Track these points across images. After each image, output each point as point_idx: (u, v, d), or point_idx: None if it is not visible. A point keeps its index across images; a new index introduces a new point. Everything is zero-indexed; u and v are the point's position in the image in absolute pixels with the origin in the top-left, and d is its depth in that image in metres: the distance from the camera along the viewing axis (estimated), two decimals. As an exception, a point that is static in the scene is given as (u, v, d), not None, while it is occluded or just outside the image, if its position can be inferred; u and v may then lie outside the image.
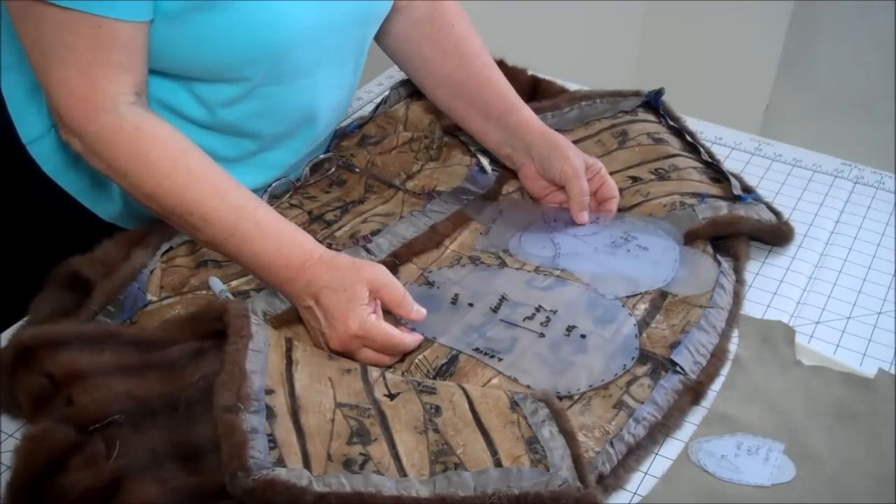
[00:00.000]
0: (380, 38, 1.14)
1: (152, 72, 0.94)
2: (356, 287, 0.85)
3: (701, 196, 1.06)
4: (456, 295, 0.95)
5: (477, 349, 0.88)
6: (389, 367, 0.87)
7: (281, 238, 0.88)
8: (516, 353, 0.88)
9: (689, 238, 1.02)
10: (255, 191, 1.01)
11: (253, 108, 0.99)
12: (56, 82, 0.87)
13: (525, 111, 1.11)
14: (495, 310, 0.93)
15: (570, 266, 1.00)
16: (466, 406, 0.79)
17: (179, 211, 0.88)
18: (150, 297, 0.93)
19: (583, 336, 0.89)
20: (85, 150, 0.89)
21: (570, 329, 0.90)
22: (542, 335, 0.90)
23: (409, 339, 0.87)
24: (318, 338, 0.88)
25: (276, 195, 1.08)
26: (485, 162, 1.15)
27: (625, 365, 0.87)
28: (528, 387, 0.85)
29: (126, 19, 0.85)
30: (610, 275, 0.98)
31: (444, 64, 1.13)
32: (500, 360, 0.87)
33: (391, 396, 0.80)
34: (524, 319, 0.91)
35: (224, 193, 0.89)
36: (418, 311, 0.88)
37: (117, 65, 0.87)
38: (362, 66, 1.10)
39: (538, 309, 0.92)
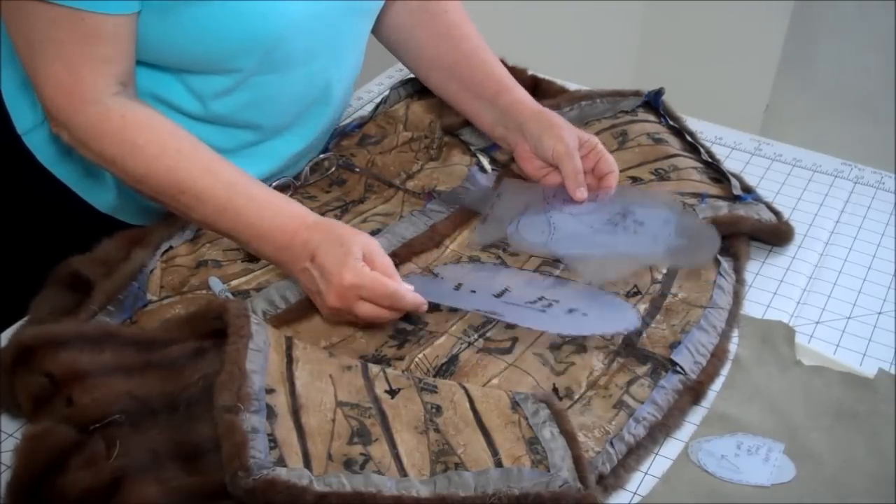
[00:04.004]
0: (377, 29, 1.15)
1: (145, 65, 0.94)
2: (352, 244, 0.86)
3: (701, 196, 1.06)
4: (459, 284, 0.95)
5: (477, 309, 0.89)
6: (393, 321, 0.87)
7: (274, 208, 0.90)
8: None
9: (690, 238, 1.02)
10: None
11: (246, 99, 0.99)
12: (42, 76, 0.88)
13: (518, 91, 1.10)
14: (498, 296, 0.93)
15: (566, 251, 0.99)
16: (467, 406, 0.79)
17: (172, 192, 0.90)
18: (150, 296, 0.93)
19: (584, 315, 0.89)
20: (73, 142, 0.91)
21: (571, 311, 0.90)
22: (543, 310, 0.90)
23: (408, 293, 0.86)
24: (317, 302, 0.88)
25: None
26: (485, 162, 1.15)
27: (627, 328, 0.88)
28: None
29: (109, 13, 0.86)
30: (606, 258, 0.97)
31: (436, 47, 1.13)
32: (502, 315, 0.88)
33: (392, 393, 0.80)
34: (526, 303, 0.91)
35: (215, 171, 0.91)
36: (406, 287, 0.87)
37: (102, 58, 0.88)
38: (361, 61, 1.10)
39: (540, 298, 0.92)
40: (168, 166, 0.89)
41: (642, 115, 1.21)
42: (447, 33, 1.13)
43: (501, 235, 1.02)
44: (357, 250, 0.86)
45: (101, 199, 1.06)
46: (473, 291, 0.94)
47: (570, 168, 1.03)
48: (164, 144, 0.90)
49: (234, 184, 0.90)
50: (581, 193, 1.03)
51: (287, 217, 0.90)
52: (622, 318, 0.89)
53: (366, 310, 0.86)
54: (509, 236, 1.02)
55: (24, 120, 1.02)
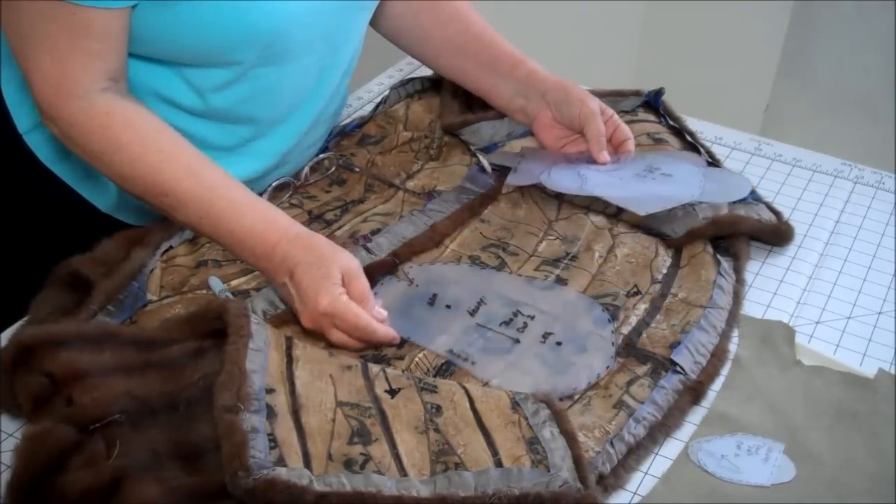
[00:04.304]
0: (378, 22, 1.15)
1: (143, 59, 0.94)
2: (331, 266, 0.86)
3: (701, 196, 1.06)
4: (434, 296, 0.94)
5: (450, 350, 0.88)
6: (363, 350, 0.87)
7: (256, 215, 0.90)
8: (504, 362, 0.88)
9: (690, 238, 1.02)
10: (252, 184, 1.01)
11: (245, 92, 0.99)
12: (32, 70, 0.89)
13: (533, 63, 1.12)
14: (472, 313, 0.92)
15: (599, 191, 1.01)
16: (467, 405, 0.79)
17: (154, 192, 0.90)
18: (150, 296, 0.93)
19: (558, 343, 0.89)
20: (61, 136, 0.91)
21: (546, 336, 0.90)
22: (517, 341, 0.89)
23: (380, 328, 0.86)
24: (298, 315, 0.88)
25: (277, 194, 1.08)
26: (485, 162, 1.15)
27: (599, 373, 0.86)
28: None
29: (100, 7, 0.86)
30: (641, 194, 1.00)
31: (444, 30, 1.14)
32: (472, 363, 0.86)
33: (392, 393, 0.80)
34: (500, 324, 0.91)
35: (198, 173, 0.90)
36: (378, 313, 0.87)
37: (91, 52, 0.88)
38: (358, 55, 1.11)
39: (515, 314, 0.92)
40: (151, 167, 0.89)
41: (642, 115, 1.21)
42: (454, 17, 1.14)
43: (534, 180, 1.04)
44: (336, 273, 0.85)
45: (102, 198, 1.06)
46: (448, 307, 0.93)
47: (594, 130, 1.05)
48: (147, 143, 0.90)
49: (217, 187, 0.90)
50: (604, 156, 1.06)
51: (268, 226, 0.89)
52: (591, 364, 0.87)
53: (337, 337, 0.86)
54: (542, 180, 1.04)
55: (24, 119, 1.02)
